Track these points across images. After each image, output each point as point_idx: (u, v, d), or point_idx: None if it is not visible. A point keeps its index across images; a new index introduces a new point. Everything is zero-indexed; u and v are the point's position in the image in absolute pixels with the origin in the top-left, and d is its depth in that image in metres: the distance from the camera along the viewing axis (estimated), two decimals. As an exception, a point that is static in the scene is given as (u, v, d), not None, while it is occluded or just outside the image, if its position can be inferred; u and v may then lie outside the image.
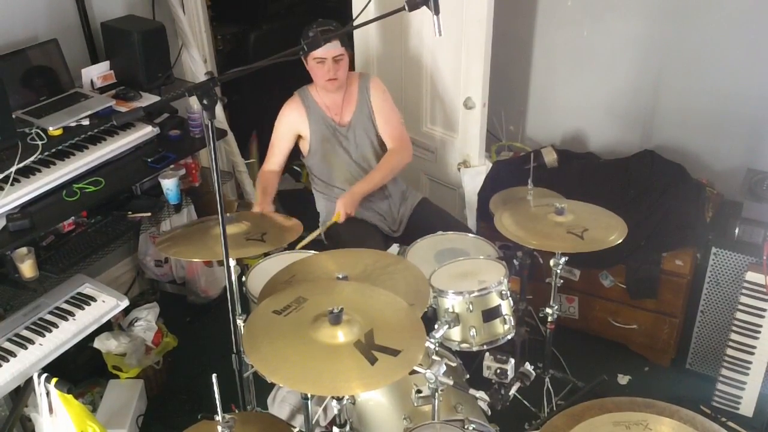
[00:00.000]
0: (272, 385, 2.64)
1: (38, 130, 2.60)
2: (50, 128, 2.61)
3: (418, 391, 2.08)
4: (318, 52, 2.64)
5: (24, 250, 2.46)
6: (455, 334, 2.28)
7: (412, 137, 3.07)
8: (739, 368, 2.71)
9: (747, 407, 2.76)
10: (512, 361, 2.15)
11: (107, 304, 2.52)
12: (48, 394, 2.23)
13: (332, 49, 2.66)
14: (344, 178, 2.90)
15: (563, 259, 2.49)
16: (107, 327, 2.83)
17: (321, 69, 2.70)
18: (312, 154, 2.88)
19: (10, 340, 2.31)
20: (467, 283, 2.27)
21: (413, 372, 1.76)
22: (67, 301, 2.49)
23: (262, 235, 2.31)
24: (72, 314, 2.44)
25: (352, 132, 2.86)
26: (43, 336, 2.34)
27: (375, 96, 2.87)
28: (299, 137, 2.88)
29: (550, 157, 3.24)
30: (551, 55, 3.45)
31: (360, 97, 2.86)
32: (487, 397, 2.10)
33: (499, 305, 2.27)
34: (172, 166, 2.97)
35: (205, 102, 1.72)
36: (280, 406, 2.61)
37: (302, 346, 1.66)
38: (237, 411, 2.34)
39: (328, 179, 2.92)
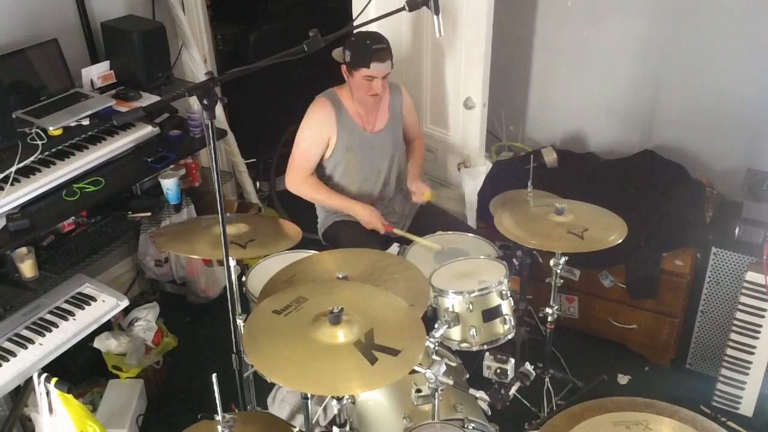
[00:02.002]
0: (272, 385, 2.64)
1: (38, 130, 2.60)
2: (50, 128, 2.61)
3: (418, 391, 2.08)
4: (371, 71, 2.58)
5: (24, 250, 2.46)
6: (455, 333, 2.27)
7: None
8: (739, 368, 2.71)
9: (747, 407, 2.76)
10: (512, 361, 2.15)
11: (107, 304, 2.52)
12: (48, 393, 2.23)
13: (384, 68, 2.61)
14: (357, 186, 2.85)
15: (563, 259, 2.49)
16: (107, 327, 2.83)
17: (367, 85, 2.63)
18: (331, 159, 2.80)
19: (10, 339, 2.31)
20: (467, 283, 2.27)
21: (413, 371, 1.76)
22: (67, 301, 2.49)
23: (246, 243, 2.30)
24: (72, 314, 2.44)
25: (380, 140, 2.82)
26: (43, 336, 2.34)
27: (406, 107, 2.93)
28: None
29: (550, 157, 3.24)
30: (551, 55, 3.45)
31: (392, 108, 2.86)
32: (487, 397, 2.10)
33: (499, 305, 2.27)
34: (172, 166, 2.96)
35: (205, 102, 1.72)
36: (280, 406, 2.61)
37: (302, 346, 1.66)
38: (237, 411, 2.34)
39: (340, 187, 2.85)
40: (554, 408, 2.74)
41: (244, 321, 2.04)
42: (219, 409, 1.65)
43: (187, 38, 3.41)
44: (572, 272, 3.05)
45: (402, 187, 2.96)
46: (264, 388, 2.61)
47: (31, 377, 2.24)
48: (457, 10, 2.95)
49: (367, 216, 2.76)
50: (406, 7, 2.09)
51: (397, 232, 2.77)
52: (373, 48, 2.57)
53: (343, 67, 2.69)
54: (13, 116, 2.56)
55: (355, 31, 2.64)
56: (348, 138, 2.76)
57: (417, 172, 2.98)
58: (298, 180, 2.78)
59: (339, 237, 2.84)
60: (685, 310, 2.99)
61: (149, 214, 2.90)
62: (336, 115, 2.73)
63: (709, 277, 2.80)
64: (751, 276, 2.60)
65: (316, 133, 2.74)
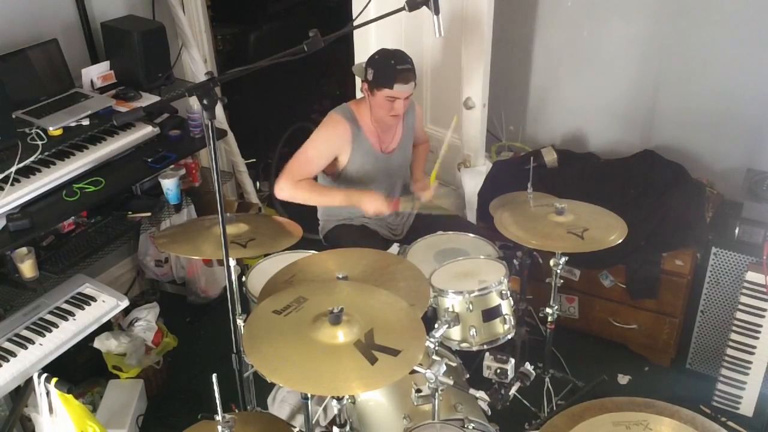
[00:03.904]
0: (272, 385, 2.65)
1: (38, 130, 2.60)
2: (50, 128, 2.61)
3: (418, 391, 2.08)
4: (394, 92, 2.52)
5: (24, 250, 2.46)
6: (455, 333, 2.28)
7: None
8: (739, 368, 2.71)
9: (747, 407, 2.76)
10: (512, 361, 2.15)
11: (107, 304, 2.52)
12: (48, 394, 2.23)
13: (407, 89, 2.56)
14: None
15: (563, 259, 2.49)
16: (107, 327, 2.83)
17: (389, 105, 2.57)
18: (340, 177, 2.74)
19: (10, 340, 2.31)
20: (467, 283, 2.27)
21: (413, 371, 1.76)
22: (67, 301, 2.49)
23: (246, 242, 2.28)
24: (72, 314, 2.44)
25: (393, 160, 2.79)
26: (43, 336, 2.34)
27: (417, 123, 2.89)
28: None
29: (550, 157, 3.24)
30: (551, 55, 3.45)
31: (406, 124, 2.82)
32: (487, 397, 2.10)
33: (499, 305, 2.27)
34: (172, 166, 2.97)
35: (205, 102, 1.72)
36: (280, 406, 2.61)
37: (302, 346, 1.66)
38: (237, 411, 2.34)
39: None
40: (554, 408, 2.74)
41: (244, 321, 2.04)
42: (219, 409, 1.65)
43: (187, 38, 3.41)
44: (572, 272, 3.05)
45: (405, 187, 2.95)
46: (264, 388, 2.61)
47: (31, 377, 2.24)
48: (457, 10, 2.95)
49: (372, 203, 2.59)
50: (406, 7, 2.09)
51: (404, 205, 2.61)
52: (397, 69, 2.51)
53: (364, 85, 2.63)
54: (13, 116, 2.56)
55: (379, 49, 2.63)
56: (362, 158, 2.71)
57: (420, 173, 2.98)
58: (291, 184, 2.63)
59: (340, 239, 2.83)
60: (685, 310, 2.99)
61: (149, 214, 2.91)
62: (352, 135, 2.66)
63: (709, 277, 2.80)
64: (751, 276, 2.60)
65: (328, 147, 2.66)
